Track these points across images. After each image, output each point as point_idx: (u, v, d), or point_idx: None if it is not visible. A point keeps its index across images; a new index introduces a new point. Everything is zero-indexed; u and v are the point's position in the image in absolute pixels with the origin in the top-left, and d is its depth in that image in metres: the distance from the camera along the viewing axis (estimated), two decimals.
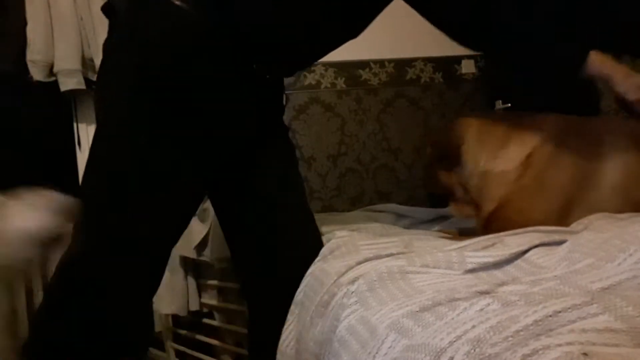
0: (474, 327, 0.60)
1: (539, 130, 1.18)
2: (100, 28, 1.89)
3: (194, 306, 1.87)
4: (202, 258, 1.72)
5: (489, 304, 0.66)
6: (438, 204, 1.75)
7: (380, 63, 2.22)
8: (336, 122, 2.17)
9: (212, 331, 1.88)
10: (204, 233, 1.64)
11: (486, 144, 1.23)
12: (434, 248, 0.98)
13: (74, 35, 1.89)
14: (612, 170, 1.09)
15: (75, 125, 2.00)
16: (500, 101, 1.99)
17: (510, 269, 0.84)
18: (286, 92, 2.10)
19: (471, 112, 2.21)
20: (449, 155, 1.26)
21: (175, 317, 1.96)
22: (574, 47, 1.12)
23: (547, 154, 1.15)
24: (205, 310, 1.90)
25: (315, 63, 2.13)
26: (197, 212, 1.58)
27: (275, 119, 1.19)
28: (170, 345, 1.98)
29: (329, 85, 2.16)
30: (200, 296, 1.89)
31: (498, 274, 0.83)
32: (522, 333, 0.56)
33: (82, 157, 1.98)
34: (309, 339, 0.91)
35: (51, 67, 1.88)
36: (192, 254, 1.74)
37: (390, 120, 2.22)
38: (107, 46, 1.03)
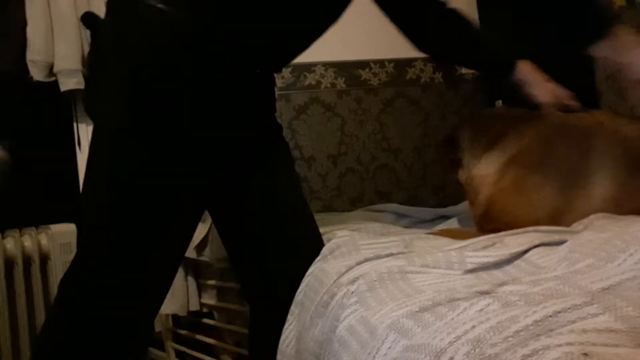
0: (474, 327, 0.60)
1: (525, 134, 1.19)
2: None
3: (194, 306, 1.87)
4: (202, 258, 1.71)
5: (489, 304, 0.65)
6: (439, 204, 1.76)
7: (380, 63, 2.22)
8: (336, 122, 2.17)
9: (212, 331, 1.88)
10: (204, 233, 1.64)
11: (476, 148, 1.26)
12: (434, 248, 0.98)
13: (74, 35, 1.89)
14: (602, 179, 1.09)
15: (75, 125, 2.00)
16: (500, 101, 1.99)
17: (510, 269, 0.84)
18: (286, 92, 2.11)
19: (474, 110, 2.21)
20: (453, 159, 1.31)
21: (175, 317, 1.96)
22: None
23: (529, 159, 1.17)
24: (205, 310, 1.90)
25: (315, 63, 2.13)
26: None
27: (269, 116, 1.17)
28: (170, 345, 1.98)
29: (329, 85, 2.16)
30: (200, 296, 1.89)
31: (498, 274, 0.83)
32: (522, 333, 0.56)
33: (82, 157, 1.98)
34: (309, 339, 0.91)
35: (51, 67, 1.88)
36: (192, 254, 1.73)
37: (390, 120, 2.21)
38: (92, 58, 1.00)
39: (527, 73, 1.20)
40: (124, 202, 0.94)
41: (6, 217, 1.88)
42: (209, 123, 0.98)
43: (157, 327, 1.95)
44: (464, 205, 1.60)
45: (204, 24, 0.94)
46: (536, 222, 1.05)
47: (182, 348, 1.94)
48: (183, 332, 1.95)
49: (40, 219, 1.91)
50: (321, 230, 1.27)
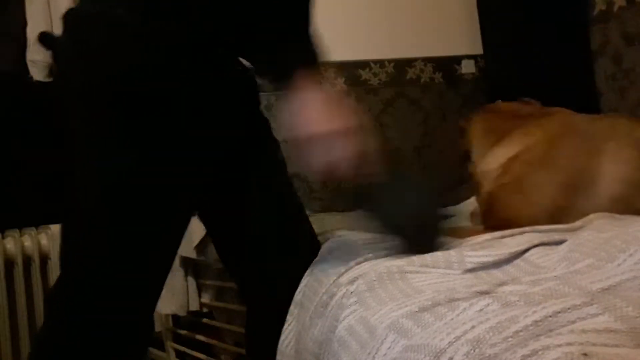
0: (473, 327, 0.60)
1: (531, 133, 1.19)
2: None
3: (194, 306, 1.87)
4: (201, 258, 1.72)
5: (488, 304, 0.65)
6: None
7: (380, 63, 2.22)
8: None
9: (211, 331, 1.88)
10: (203, 233, 1.64)
11: (484, 142, 1.26)
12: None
13: None
14: (611, 180, 1.07)
15: None
16: (500, 101, 1.99)
17: (509, 268, 0.84)
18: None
19: (474, 110, 2.21)
20: (461, 153, 1.31)
21: (175, 317, 1.96)
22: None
23: (533, 157, 1.15)
24: (205, 310, 1.90)
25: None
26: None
27: (256, 113, 1.14)
28: (170, 345, 1.98)
29: (329, 85, 2.16)
30: (200, 296, 1.89)
31: (498, 273, 0.83)
32: (521, 333, 0.56)
33: None
34: (309, 339, 0.91)
35: (51, 67, 1.88)
36: (192, 254, 1.74)
37: (390, 120, 2.22)
38: (56, 78, 0.98)
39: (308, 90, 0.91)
40: (122, 203, 0.94)
41: (6, 217, 1.88)
42: (197, 122, 0.97)
43: (157, 327, 1.95)
44: (464, 205, 1.60)
45: (158, 25, 0.91)
46: (536, 220, 1.05)
47: (182, 348, 1.94)
48: (183, 332, 1.95)
49: (40, 219, 1.91)
50: (321, 230, 1.27)
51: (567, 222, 1.03)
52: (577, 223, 0.98)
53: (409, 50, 2.25)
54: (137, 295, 0.99)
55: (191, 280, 1.87)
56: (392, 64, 2.22)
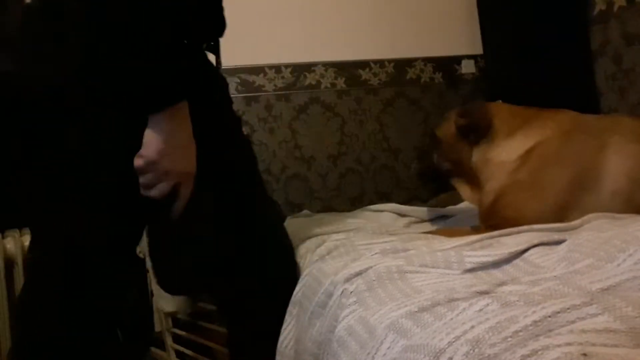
0: (473, 327, 0.60)
1: (547, 126, 1.17)
2: None
3: (194, 307, 1.87)
4: None
5: (488, 304, 0.65)
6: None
7: (380, 63, 2.22)
8: (336, 122, 2.17)
9: (211, 333, 1.88)
10: None
11: (499, 131, 1.23)
12: (432, 247, 0.98)
13: None
14: (615, 173, 1.07)
15: None
16: (500, 101, 1.99)
17: (509, 268, 0.83)
18: (286, 92, 2.11)
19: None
20: (479, 127, 1.25)
21: (175, 318, 1.96)
22: None
23: (548, 152, 1.14)
24: (205, 310, 1.89)
25: (315, 63, 2.13)
26: None
27: (227, 107, 1.12)
28: (171, 345, 1.98)
29: (329, 85, 2.16)
30: (200, 298, 1.89)
31: (497, 273, 0.83)
32: (521, 333, 0.56)
33: None
34: (308, 340, 0.91)
35: None
36: None
37: (390, 120, 2.21)
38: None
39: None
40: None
41: (6, 217, 1.88)
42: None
43: (157, 327, 1.95)
44: (464, 205, 1.60)
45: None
46: (539, 219, 1.04)
47: (182, 348, 1.94)
48: (183, 333, 1.95)
49: None
50: (319, 230, 1.27)
51: (569, 219, 1.03)
52: (576, 222, 0.97)
53: (409, 50, 2.24)
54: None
55: None
56: (392, 64, 2.22)
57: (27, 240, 1.83)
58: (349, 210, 1.85)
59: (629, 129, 1.11)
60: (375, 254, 0.98)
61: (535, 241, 0.88)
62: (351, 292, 0.85)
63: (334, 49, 2.17)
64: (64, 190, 0.94)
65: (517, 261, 0.85)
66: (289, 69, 2.11)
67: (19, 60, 0.96)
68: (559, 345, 0.52)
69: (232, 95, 1.15)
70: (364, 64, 2.20)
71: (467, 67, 2.31)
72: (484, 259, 0.85)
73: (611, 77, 1.86)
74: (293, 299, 1.03)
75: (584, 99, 1.87)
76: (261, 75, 2.08)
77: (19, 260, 1.79)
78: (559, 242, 0.87)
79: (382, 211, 1.66)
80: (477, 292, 0.71)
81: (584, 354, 0.49)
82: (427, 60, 2.26)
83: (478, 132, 1.26)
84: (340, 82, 2.17)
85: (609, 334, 0.54)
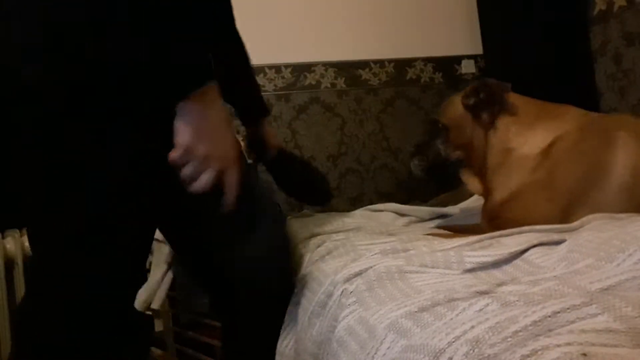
0: (472, 327, 0.60)
1: (565, 120, 1.15)
2: None
3: (195, 306, 1.87)
4: None
5: (487, 304, 0.65)
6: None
7: (380, 63, 2.22)
8: (336, 122, 2.17)
9: (213, 331, 1.88)
10: None
11: (522, 119, 1.17)
12: (432, 247, 0.98)
13: None
14: (622, 169, 1.04)
15: None
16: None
17: (509, 268, 0.83)
18: (286, 92, 2.11)
19: None
20: (496, 100, 1.19)
21: (175, 317, 1.96)
22: None
23: (566, 147, 1.11)
24: (206, 310, 1.90)
25: (315, 63, 2.14)
26: None
27: None
28: (172, 345, 1.98)
29: (329, 85, 2.16)
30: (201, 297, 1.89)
31: (497, 273, 0.83)
32: (521, 334, 0.56)
33: None
34: (307, 340, 0.91)
35: None
36: None
37: (390, 120, 2.22)
38: None
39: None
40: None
41: (6, 217, 1.88)
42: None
43: (158, 327, 1.95)
44: (464, 205, 1.60)
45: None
46: (549, 219, 1.03)
47: (183, 348, 1.94)
48: (184, 331, 1.95)
49: None
50: (319, 230, 1.26)
51: (576, 217, 1.02)
52: (576, 223, 0.97)
53: (409, 50, 2.25)
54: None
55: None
56: (392, 64, 2.22)
57: (27, 240, 1.83)
58: (349, 210, 1.85)
59: (632, 127, 1.10)
60: (375, 254, 0.98)
61: (535, 241, 0.88)
62: (351, 292, 0.85)
63: (334, 49, 2.17)
64: (64, 190, 0.94)
65: (517, 261, 0.85)
66: (289, 69, 2.11)
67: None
68: (558, 345, 0.52)
69: None
70: (364, 64, 2.20)
71: (467, 67, 2.31)
72: (484, 259, 0.85)
73: (611, 77, 1.86)
74: (292, 299, 1.03)
75: (584, 98, 1.87)
76: (261, 75, 2.08)
77: (19, 260, 1.79)
78: (558, 243, 0.87)
79: (382, 211, 1.66)
80: (477, 292, 0.71)
81: (584, 354, 0.49)
82: (427, 60, 2.26)
83: (492, 109, 1.19)
84: (340, 82, 2.17)
85: (608, 333, 0.54)
